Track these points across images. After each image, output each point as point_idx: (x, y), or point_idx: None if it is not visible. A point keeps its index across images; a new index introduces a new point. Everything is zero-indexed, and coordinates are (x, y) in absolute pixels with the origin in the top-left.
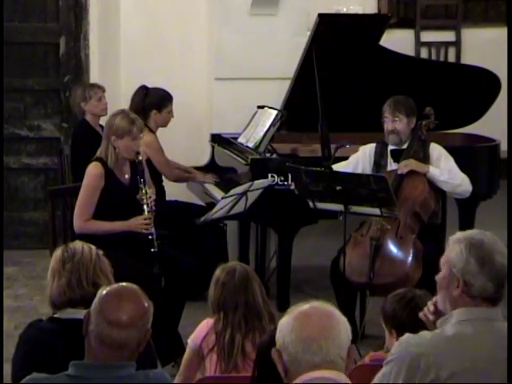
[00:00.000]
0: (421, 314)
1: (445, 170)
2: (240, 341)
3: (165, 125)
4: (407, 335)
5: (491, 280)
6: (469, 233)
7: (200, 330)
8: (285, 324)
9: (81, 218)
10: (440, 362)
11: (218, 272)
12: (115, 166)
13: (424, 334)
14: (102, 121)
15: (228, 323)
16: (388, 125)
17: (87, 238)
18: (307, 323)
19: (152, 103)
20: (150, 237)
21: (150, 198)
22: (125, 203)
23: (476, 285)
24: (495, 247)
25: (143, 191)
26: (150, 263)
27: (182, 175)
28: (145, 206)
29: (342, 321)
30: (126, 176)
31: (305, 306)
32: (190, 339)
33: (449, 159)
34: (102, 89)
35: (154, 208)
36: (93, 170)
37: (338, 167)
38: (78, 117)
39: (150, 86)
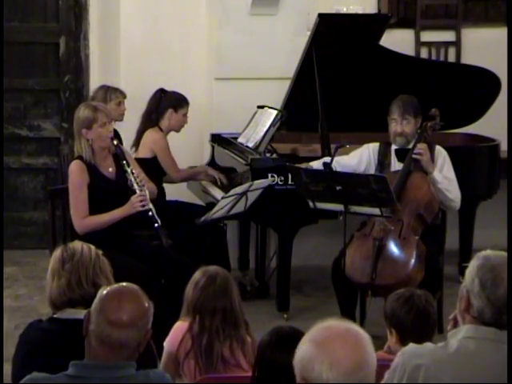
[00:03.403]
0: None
1: (446, 179)
2: (219, 348)
3: (178, 128)
4: (411, 345)
5: (489, 305)
6: (491, 253)
7: (175, 334)
8: (317, 359)
9: (78, 216)
10: (438, 376)
11: (197, 274)
12: (96, 161)
13: (427, 345)
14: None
15: (205, 328)
16: (397, 127)
17: (87, 237)
18: (345, 358)
19: (169, 102)
20: (149, 213)
21: (138, 177)
22: (113, 197)
23: (475, 306)
24: (504, 276)
25: (128, 172)
26: (157, 256)
27: (190, 174)
28: (135, 185)
29: (367, 338)
30: (110, 169)
31: (331, 334)
32: (165, 343)
33: (451, 170)
34: (123, 94)
35: (145, 186)
36: (73, 166)
37: (341, 160)
38: None
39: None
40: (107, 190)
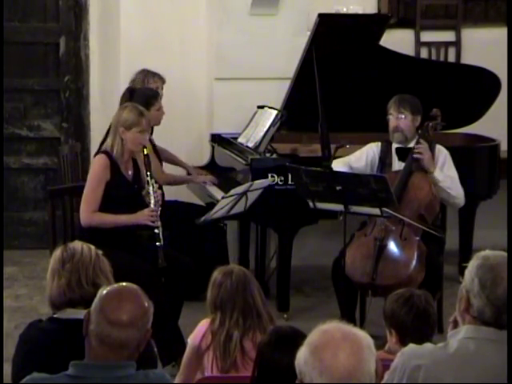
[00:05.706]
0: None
1: (447, 177)
2: (238, 338)
3: (157, 123)
4: (410, 346)
5: (489, 305)
6: (491, 253)
7: (199, 329)
8: (310, 364)
9: (87, 209)
10: (438, 377)
11: (215, 274)
12: (120, 160)
13: (427, 346)
14: None
15: (225, 321)
16: (392, 122)
17: (87, 237)
18: (336, 367)
19: (139, 104)
20: (156, 230)
21: (156, 192)
22: (128, 198)
23: (475, 306)
24: (504, 275)
25: (150, 184)
26: (154, 259)
27: (175, 180)
28: (152, 199)
29: (368, 344)
30: (130, 172)
31: (326, 340)
32: (189, 338)
33: (452, 167)
34: (162, 80)
35: (160, 202)
36: (98, 160)
37: (348, 161)
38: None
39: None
40: (124, 191)
